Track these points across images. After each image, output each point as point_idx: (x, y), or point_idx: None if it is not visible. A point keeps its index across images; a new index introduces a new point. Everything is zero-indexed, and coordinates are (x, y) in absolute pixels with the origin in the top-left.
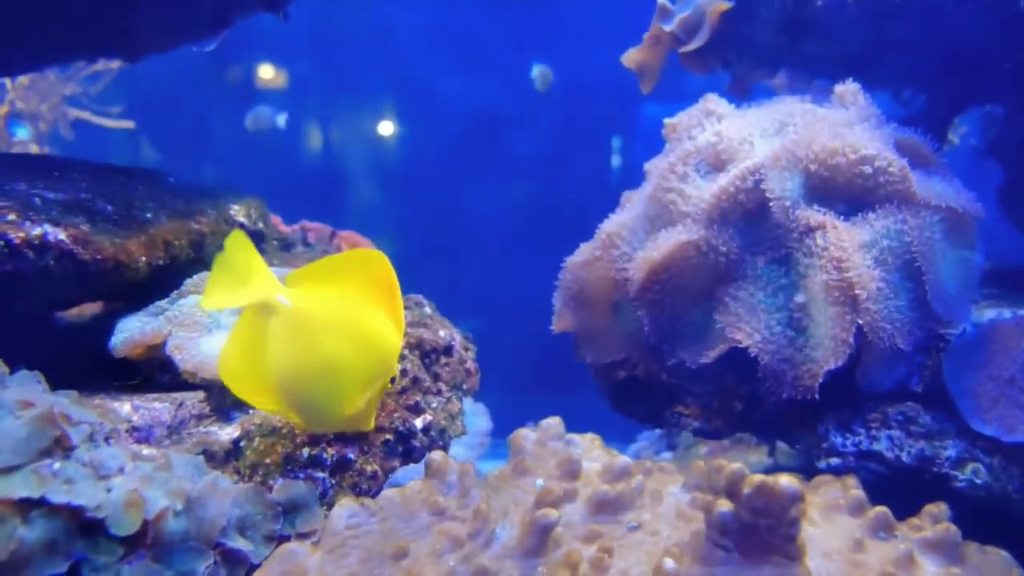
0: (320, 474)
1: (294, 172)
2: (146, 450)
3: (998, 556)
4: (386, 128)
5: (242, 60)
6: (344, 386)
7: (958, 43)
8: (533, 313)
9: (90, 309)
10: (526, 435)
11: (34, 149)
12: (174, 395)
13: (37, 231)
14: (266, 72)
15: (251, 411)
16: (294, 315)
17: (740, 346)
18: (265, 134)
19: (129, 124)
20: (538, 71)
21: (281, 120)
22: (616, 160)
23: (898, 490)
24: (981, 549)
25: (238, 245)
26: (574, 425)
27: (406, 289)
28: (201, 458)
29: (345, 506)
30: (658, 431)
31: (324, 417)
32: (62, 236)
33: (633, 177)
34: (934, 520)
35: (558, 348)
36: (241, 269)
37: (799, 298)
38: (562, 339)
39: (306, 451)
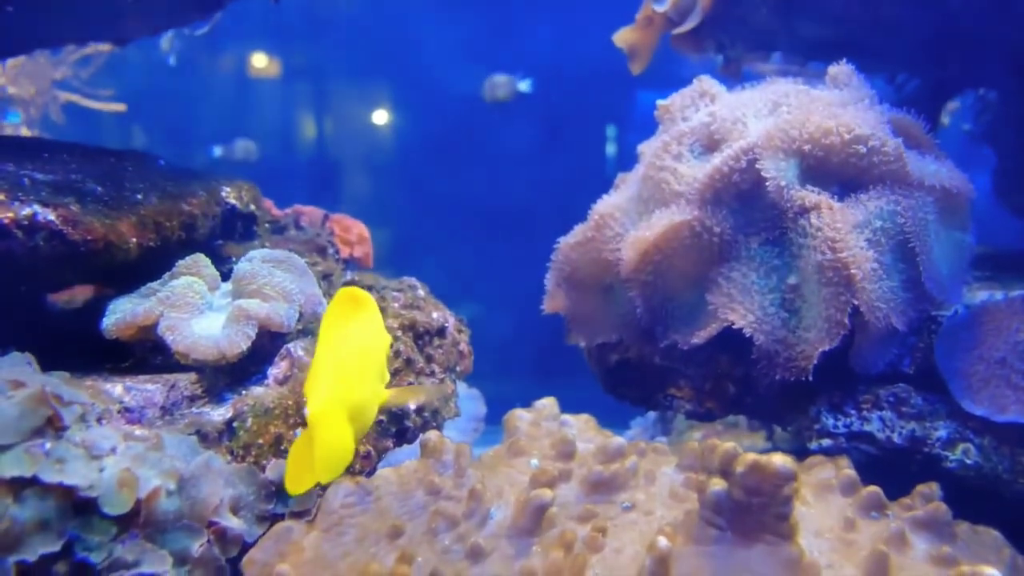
0: None
1: (290, 159)
2: (138, 430)
3: (989, 535)
4: (382, 115)
5: (237, 46)
6: (375, 406)
7: (952, 25)
8: (529, 300)
9: (82, 292)
10: (521, 415)
11: (24, 133)
12: (167, 376)
13: (26, 211)
14: (259, 60)
15: (243, 392)
16: (327, 407)
17: (734, 327)
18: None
19: (120, 107)
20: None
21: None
22: (611, 147)
23: (890, 471)
24: (972, 528)
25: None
26: (570, 411)
27: (401, 273)
28: (194, 438)
29: (341, 485)
30: (652, 416)
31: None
32: (52, 216)
33: (627, 164)
34: (925, 500)
35: (554, 335)
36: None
37: (792, 279)
38: (558, 326)
39: (299, 431)
